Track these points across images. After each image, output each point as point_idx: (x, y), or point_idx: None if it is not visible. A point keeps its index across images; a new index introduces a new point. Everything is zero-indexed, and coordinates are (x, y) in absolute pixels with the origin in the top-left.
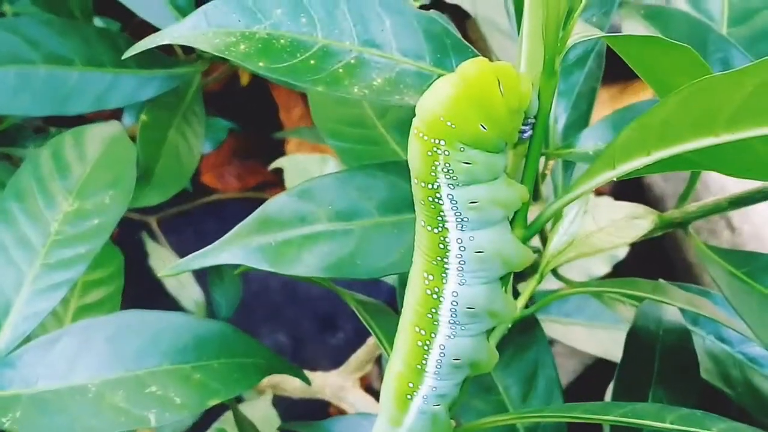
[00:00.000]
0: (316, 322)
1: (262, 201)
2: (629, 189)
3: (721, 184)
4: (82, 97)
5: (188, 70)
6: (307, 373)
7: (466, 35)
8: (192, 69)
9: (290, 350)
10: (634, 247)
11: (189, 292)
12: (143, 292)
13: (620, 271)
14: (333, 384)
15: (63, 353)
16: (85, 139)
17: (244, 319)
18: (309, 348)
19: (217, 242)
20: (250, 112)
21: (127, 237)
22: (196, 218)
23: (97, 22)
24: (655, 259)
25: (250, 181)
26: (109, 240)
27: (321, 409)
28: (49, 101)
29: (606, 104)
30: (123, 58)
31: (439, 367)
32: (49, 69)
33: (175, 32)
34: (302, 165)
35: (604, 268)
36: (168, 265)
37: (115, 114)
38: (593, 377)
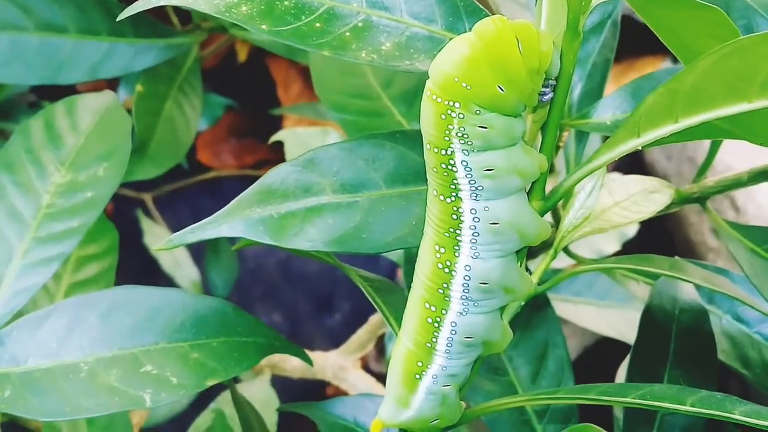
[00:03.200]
0: (313, 301)
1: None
2: (632, 168)
3: (727, 164)
4: (76, 66)
5: (185, 40)
6: (307, 352)
7: None
8: (189, 39)
9: (287, 330)
10: (642, 225)
11: (185, 271)
12: (138, 270)
13: (627, 249)
14: (333, 364)
15: (54, 330)
16: (77, 109)
17: (240, 298)
18: (306, 328)
19: (215, 214)
20: (247, 89)
21: (122, 214)
22: (192, 196)
23: None
24: (661, 237)
25: (247, 159)
26: (104, 214)
27: (320, 390)
28: (42, 70)
29: (611, 81)
30: (117, 20)
31: (449, 345)
32: (42, 37)
33: None
34: (303, 138)
35: (613, 246)
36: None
37: (111, 86)
38: (598, 354)
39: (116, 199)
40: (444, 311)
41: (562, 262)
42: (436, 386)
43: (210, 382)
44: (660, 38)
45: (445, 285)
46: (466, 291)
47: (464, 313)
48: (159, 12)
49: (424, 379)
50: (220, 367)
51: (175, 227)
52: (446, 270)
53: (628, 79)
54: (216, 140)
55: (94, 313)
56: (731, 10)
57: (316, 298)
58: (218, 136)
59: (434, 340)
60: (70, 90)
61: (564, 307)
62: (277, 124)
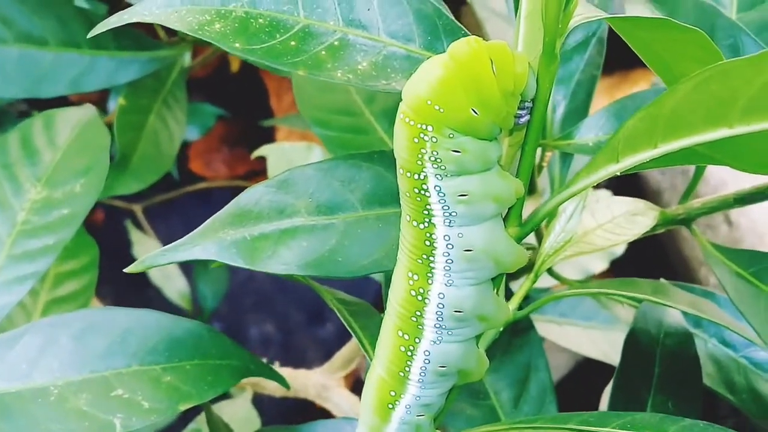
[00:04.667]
0: (305, 312)
1: None
2: (624, 181)
3: (721, 179)
4: (56, 79)
5: (170, 53)
6: (289, 371)
7: (461, 22)
8: (174, 52)
9: (279, 341)
10: (633, 241)
11: (174, 283)
12: (127, 282)
13: (617, 264)
14: (316, 383)
15: (25, 352)
16: (56, 124)
17: (232, 309)
18: (298, 339)
19: (188, 236)
20: (240, 99)
21: (113, 224)
22: (183, 206)
23: (81, 2)
24: (653, 252)
25: (239, 169)
26: (84, 229)
27: (304, 408)
28: (22, 83)
29: (603, 94)
30: (89, 36)
31: (423, 374)
32: (21, 49)
33: (144, 9)
34: (286, 154)
35: (601, 265)
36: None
37: (102, 96)
38: (584, 375)
39: (107, 209)
40: (417, 340)
41: (549, 281)
42: (409, 416)
43: (183, 407)
44: (644, 60)
45: (418, 313)
46: (440, 319)
47: (438, 342)
48: (144, 24)
49: (398, 409)
50: (194, 391)
51: (165, 238)
52: (419, 297)
53: (621, 91)
54: (208, 149)
55: (66, 334)
56: (717, 29)
57: (308, 309)
58: (211, 146)
59: (407, 369)
60: (62, 99)
61: (549, 328)
62: (270, 133)
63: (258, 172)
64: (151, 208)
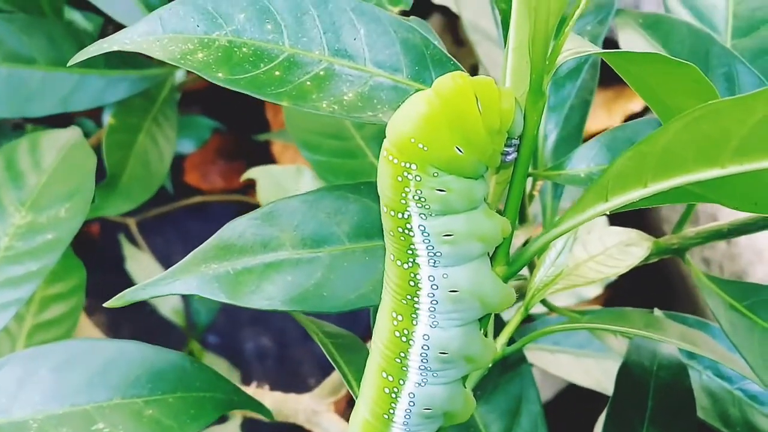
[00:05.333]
0: (302, 327)
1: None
2: None
3: (717, 205)
4: (45, 98)
5: (161, 71)
6: (279, 395)
7: (457, 38)
8: (165, 70)
9: (275, 355)
10: None
11: (166, 298)
12: None
13: (614, 286)
14: (306, 408)
15: (3, 385)
16: (41, 146)
17: (228, 323)
18: (294, 353)
19: (169, 270)
20: (236, 112)
21: (107, 238)
22: (178, 219)
23: (77, 16)
24: (651, 271)
25: (235, 182)
26: (71, 251)
27: None
28: (10, 102)
29: (600, 108)
30: (69, 64)
31: (408, 417)
32: (9, 68)
33: (126, 37)
34: (276, 176)
35: (595, 290)
36: (145, 269)
37: (98, 110)
38: (575, 400)
39: (103, 223)
40: (402, 381)
41: (542, 308)
42: None
43: None
44: (638, 94)
45: (402, 354)
46: (425, 361)
47: (423, 384)
48: None
49: None
50: (176, 425)
51: (161, 251)
52: (404, 339)
53: (619, 105)
54: (204, 162)
55: (46, 366)
56: (711, 56)
57: None
58: (207, 158)
59: (392, 411)
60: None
61: (541, 356)
62: (266, 147)
63: (254, 185)
64: (145, 221)
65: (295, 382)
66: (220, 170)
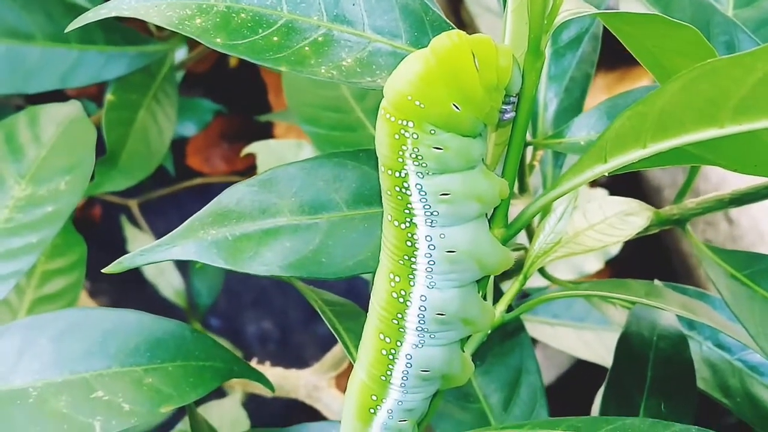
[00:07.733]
0: (304, 308)
1: None
2: (624, 178)
3: (722, 176)
4: (44, 74)
5: (161, 47)
6: (280, 371)
7: (460, 19)
8: (165, 47)
9: (277, 337)
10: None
11: (168, 279)
12: (121, 278)
13: (614, 262)
14: (307, 383)
15: (3, 354)
16: (41, 120)
17: (230, 305)
18: (296, 335)
19: (168, 236)
20: (238, 95)
21: (109, 220)
22: (180, 202)
23: None
24: (651, 248)
25: (238, 165)
26: (72, 226)
27: (294, 409)
28: (9, 79)
29: (602, 92)
30: (67, 30)
31: (405, 379)
32: (8, 44)
33: (123, 3)
34: (276, 151)
35: (596, 264)
36: None
37: (100, 89)
38: (578, 377)
39: (104, 204)
40: (399, 343)
41: (541, 280)
42: (391, 421)
43: (164, 409)
44: (636, 57)
45: (399, 315)
46: (422, 322)
47: (420, 346)
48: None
49: (379, 414)
50: (175, 393)
51: (163, 233)
52: (401, 300)
53: (622, 88)
54: (207, 145)
55: (45, 335)
56: (713, 25)
57: (307, 305)
58: (209, 141)
59: (389, 373)
60: (58, 93)
61: (542, 329)
62: (268, 129)
63: (256, 169)
64: (147, 203)
65: (296, 364)
66: (223, 153)
